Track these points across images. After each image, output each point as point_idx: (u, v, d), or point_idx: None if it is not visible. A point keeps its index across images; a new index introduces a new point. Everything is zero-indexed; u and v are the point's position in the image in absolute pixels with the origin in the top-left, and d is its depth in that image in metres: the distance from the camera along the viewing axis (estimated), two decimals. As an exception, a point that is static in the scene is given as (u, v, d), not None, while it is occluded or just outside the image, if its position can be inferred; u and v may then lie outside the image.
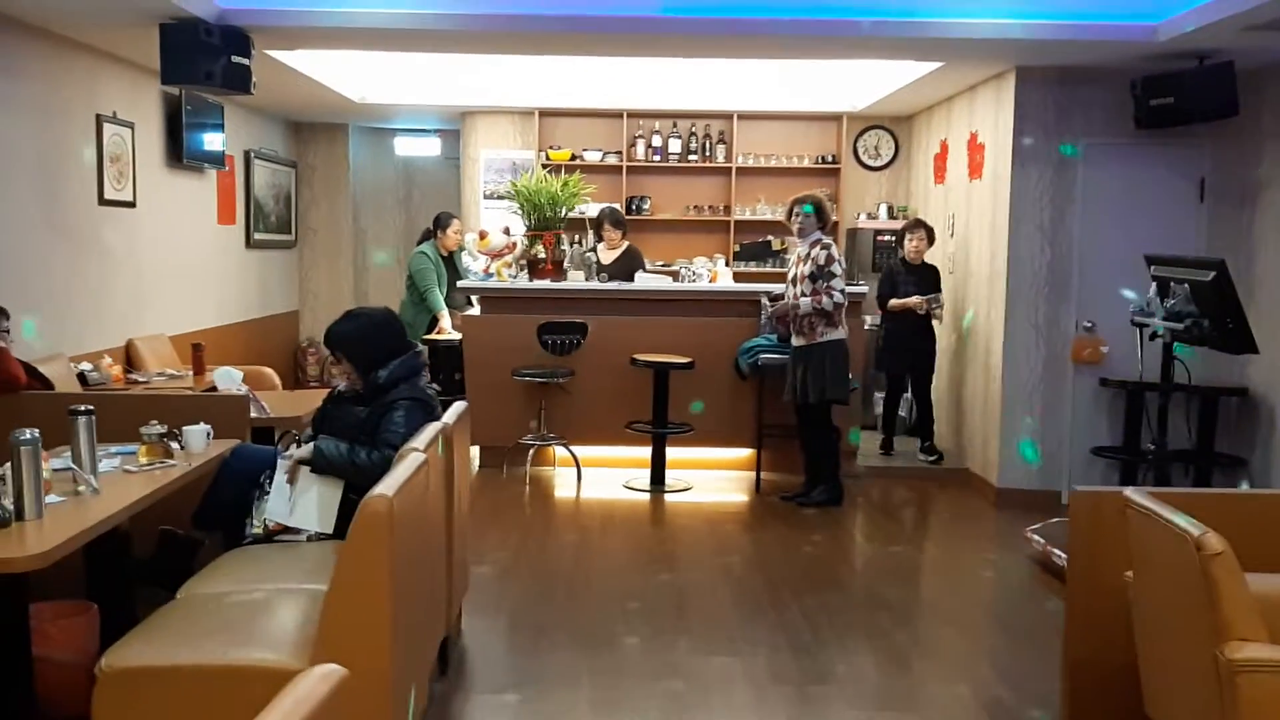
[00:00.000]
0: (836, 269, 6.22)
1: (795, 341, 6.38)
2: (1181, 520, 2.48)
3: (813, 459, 6.59)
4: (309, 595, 3.20)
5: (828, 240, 6.32)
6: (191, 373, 6.53)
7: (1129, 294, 6.53)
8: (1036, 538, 5.53)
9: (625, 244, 7.78)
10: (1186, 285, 4.29)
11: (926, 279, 7.47)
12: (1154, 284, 4.57)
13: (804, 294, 6.24)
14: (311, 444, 3.80)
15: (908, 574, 5.70)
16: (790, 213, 6.40)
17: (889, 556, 5.85)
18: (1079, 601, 3.15)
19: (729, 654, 4.21)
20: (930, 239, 7.50)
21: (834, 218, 6.59)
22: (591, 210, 8.01)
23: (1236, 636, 2.32)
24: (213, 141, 7.81)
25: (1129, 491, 2.83)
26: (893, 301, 7.44)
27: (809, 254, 6.28)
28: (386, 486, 2.88)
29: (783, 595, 4.91)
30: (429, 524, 3.47)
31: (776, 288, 7.21)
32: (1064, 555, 5.17)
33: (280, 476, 3.78)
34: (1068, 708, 3.19)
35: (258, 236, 9.06)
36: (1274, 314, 6.04)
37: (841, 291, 6.21)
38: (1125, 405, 6.55)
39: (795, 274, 6.37)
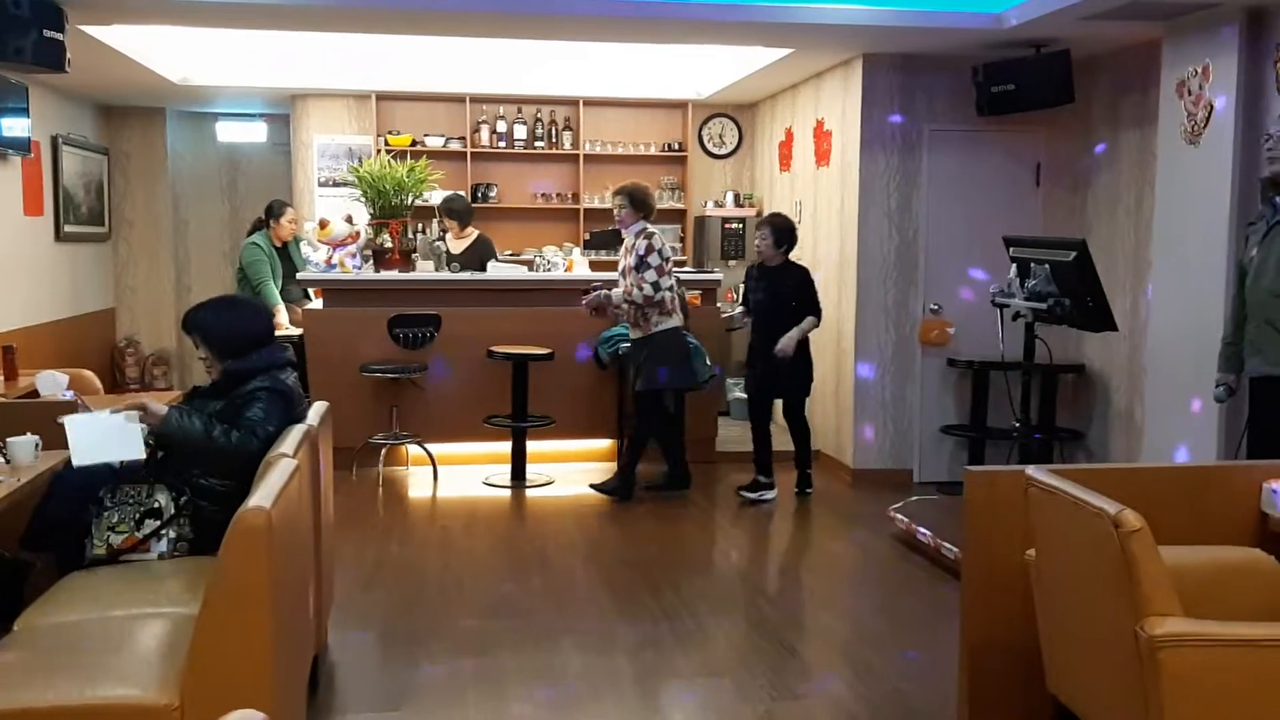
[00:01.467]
0: (654, 260, 6.06)
1: (632, 334, 6.32)
2: (1095, 498, 2.50)
3: (664, 447, 6.50)
4: (171, 621, 2.89)
5: (650, 230, 6.19)
6: (2, 378, 5.93)
7: (978, 274, 6.77)
8: (900, 516, 5.63)
9: (474, 233, 7.53)
10: (1047, 266, 4.41)
11: (780, 285, 6.31)
12: (1014, 265, 4.68)
13: (635, 284, 6.11)
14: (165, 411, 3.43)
15: (779, 558, 5.72)
16: (613, 204, 6.33)
17: (758, 541, 5.85)
18: (977, 583, 3.16)
19: (616, 652, 4.09)
20: (780, 239, 6.29)
21: (655, 205, 6.38)
22: (438, 198, 7.73)
23: (1155, 612, 2.34)
24: (17, 126, 7.12)
25: (1031, 470, 2.84)
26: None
27: (632, 244, 6.18)
28: (262, 497, 2.63)
29: (661, 587, 4.82)
30: (300, 536, 3.21)
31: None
32: (927, 532, 5.31)
33: (105, 416, 3.36)
34: (968, 690, 3.20)
35: (68, 229, 8.34)
36: (1108, 293, 6.32)
37: (653, 284, 6.04)
38: (971, 384, 6.75)
39: (623, 265, 6.27)
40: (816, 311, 6.32)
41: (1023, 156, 6.85)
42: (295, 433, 3.37)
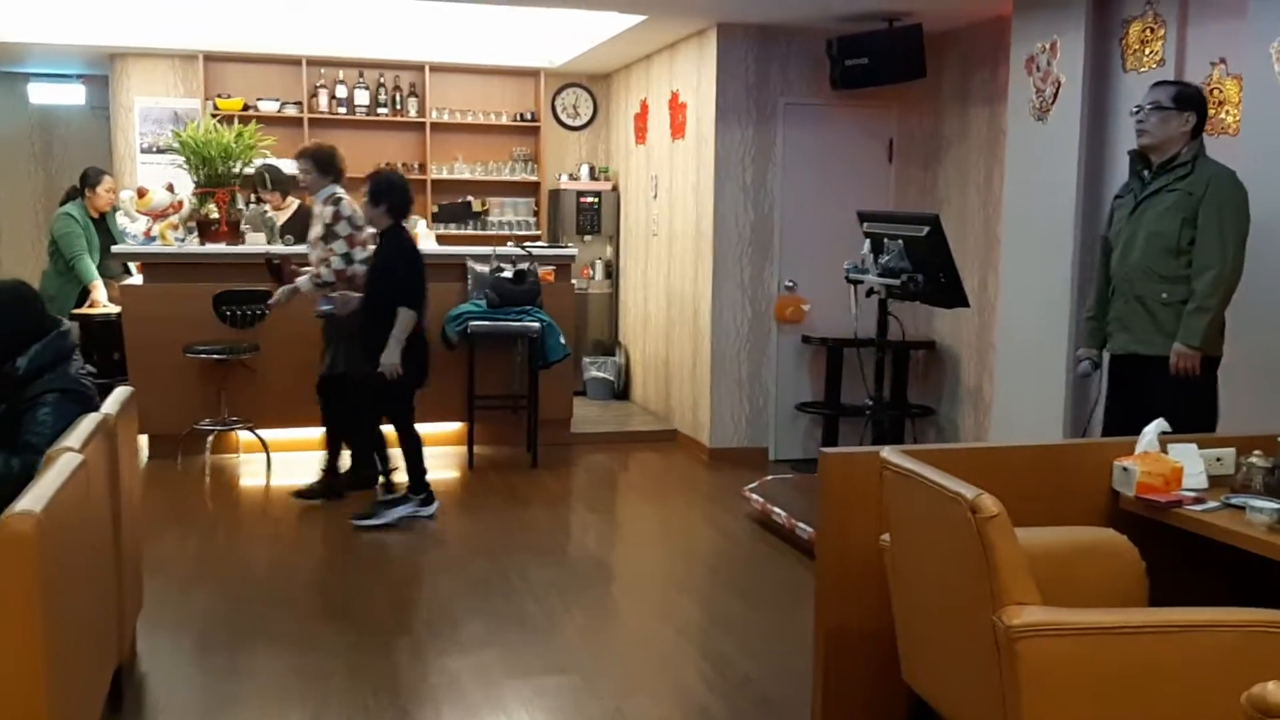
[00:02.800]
0: (342, 228, 5.39)
1: (321, 308, 5.54)
2: (951, 482, 2.37)
3: (354, 439, 5.68)
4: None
5: (339, 195, 5.48)
6: None
7: (832, 250, 6.70)
8: (755, 496, 5.52)
9: (295, 204, 7.04)
10: (900, 241, 4.32)
11: (376, 257, 5.26)
12: (867, 241, 4.59)
13: (322, 258, 5.43)
14: None
15: (634, 542, 5.54)
16: (298, 169, 5.64)
17: (612, 525, 5.67)
18: (831, 568, 3.03)
19: (456, 652, 3.83)
20: (377, 199, 5.13)
21: (344, 167, 5.61)
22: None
23: (1013, 601, 2.23)
24: None
25: (885, 452, 2.71)
26: None
27: (320, 211, 5.53)
28: (32, 500, 2.29)
29: (509, 577, 4.58)
30: (91, 538, 2.84)
31: (483, 250, 6.84)
32: (782, 512, 5.21)
33: None
34: (821, 678, 3.07)
35: None
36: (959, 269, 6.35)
37: (343, 256, 5.37)
38: (826, 362, 6.71)
39: (312, 235, 5.62)
40: (404, 299, 5.10)
41: (876, 131, 6.82)
42: (86, 424, 3.00)
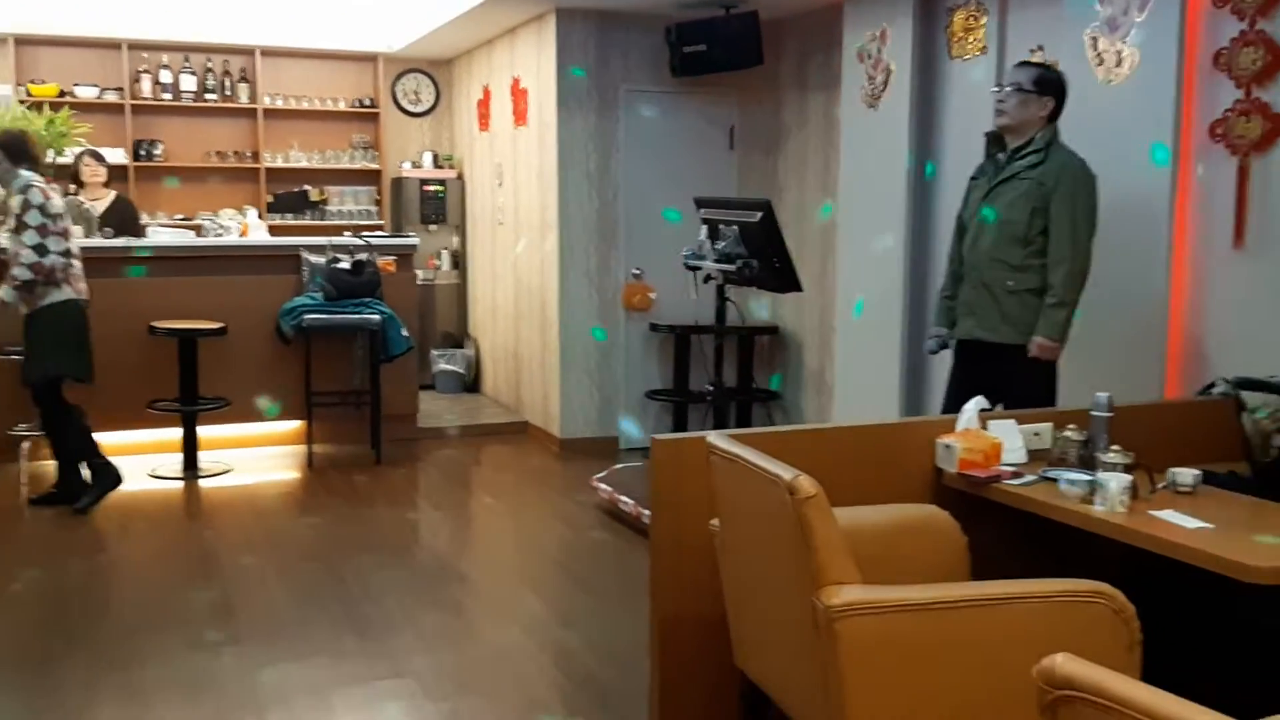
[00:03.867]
0: (32, 218, 4.98)
1: (21, 310, 5.18)
2: (771, 464, 2.35)
3: (55, 449, 5.41)
4: None
5: (31, 182, 5.07)
6: None
7: (676, 237, 6.70)
8: (602, 485, 5.48)
9: (112, 194, 6.67)
10: (736, 227, 4.33)
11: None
12: (704, 227, 4.59)
13: (15, 253, 5.05)
14: None
15: (481, 539, 5.43)
16: None
17: (459, 522, 5.55)
18: (665, 555, 2.99)
19: (287, 660, 3.66)
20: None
21: (38, 153, 5.31)
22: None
23: (832, 581, 2.22)
24: None
25: (711, 437, 2.68)
26: None
27: (11, 203, 5.14)
28: None
29: (346, 581, 4.42)
30: None
31: (317, 240, 6.61)
32: (630, 500, 5.18)
33: None
34: (657, 667, 3.03)
35: None
36: (798, 255, 6.43)
37: (35, 248, 4.96)
38: (674, 348, 6.71)
39: (6, 229, 5.25)
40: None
41: (718, 118, 6.85)
42: None
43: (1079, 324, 4.12)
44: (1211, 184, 4.00)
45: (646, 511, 4.94)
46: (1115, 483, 2.71)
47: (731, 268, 4.32)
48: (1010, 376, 3.79)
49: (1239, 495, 2.90)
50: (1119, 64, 4.22)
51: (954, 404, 4.01)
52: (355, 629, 3.93)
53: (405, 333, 6.35)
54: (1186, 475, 2.87)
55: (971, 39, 5.03)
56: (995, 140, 4.01)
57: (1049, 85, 3.81)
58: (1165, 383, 4.14)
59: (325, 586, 4.36)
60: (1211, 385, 3.73)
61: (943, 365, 4.25)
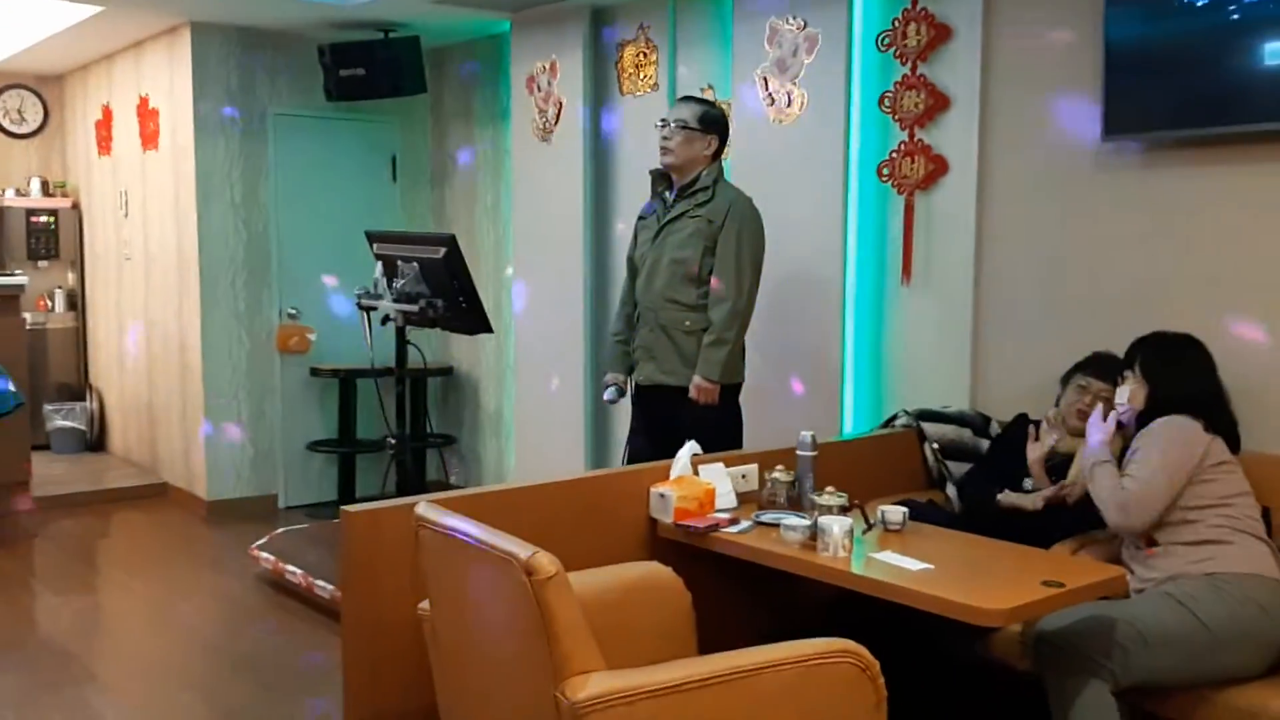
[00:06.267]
0: None
1: None
2: (501, 539, 2.06)
3: None
4: None
5: None
6: None
7: (329, 280, 6.21)
8: (264, 554, 4.88)
9: None
10: (416, 264, 3.98)
11: None
12: (379, 263, 4.19)
13: None
14: None
15: (118, 627, 4.65)
16: None
17: (87, 608, 4.73)
18: (360, 645, 2.60)
19: None
20: None
21: None
22: None
23: (576, 671, 1.96)
24: None
25: (421, 508, 2.33)
26: None
27: None
28: None
29: (-60, 701, 3.58)
30: None
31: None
32: (298, 570, 4.64)
33: None
34: (357, 775, 2.62)
35: None
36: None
37: None
38: (339, 394, 6.20)
39: None
40: None
41: (379, 147, 6.43)
42: None
43: (760, 362, 4.14)
44: (880, 221, 4.16)
45: (319, 582, 4.45)
46: (838, 527, 2.65)
47: (414, 308, 3.96)
48: (693, 419, 3.64)
49: (943, 529, 2.95)
50: (789, 104, 4.31)
51: (639, 453, 3.85)
52: (-43, 764, 3.16)
53: (13, 387, 5.40)
54: (895, 513, 2.88)
55: (643, 75, 4.99)
56: (662, 178, 3.94)
57: (712, 123, 3.76)
58: (845, 416, 4.26)
59: (-88, 711, 3.51)
60: (894, 417, 3.86)
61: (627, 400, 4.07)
